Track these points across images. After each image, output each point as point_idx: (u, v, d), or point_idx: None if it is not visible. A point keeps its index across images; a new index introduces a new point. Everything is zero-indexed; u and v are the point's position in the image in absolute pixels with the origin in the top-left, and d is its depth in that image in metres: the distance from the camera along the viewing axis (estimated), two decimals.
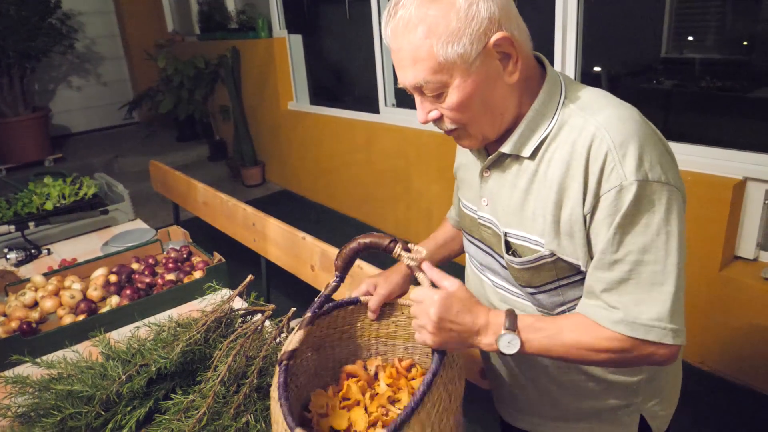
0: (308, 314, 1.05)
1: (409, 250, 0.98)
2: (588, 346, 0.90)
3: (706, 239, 2.36)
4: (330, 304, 1.11)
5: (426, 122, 0.96)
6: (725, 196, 2.28)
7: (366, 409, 1.05)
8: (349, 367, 1.16)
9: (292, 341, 1.00)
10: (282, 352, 0.99)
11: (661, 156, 0.88)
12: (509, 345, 0.89)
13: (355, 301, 1.16)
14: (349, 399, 1.07)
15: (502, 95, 0.92)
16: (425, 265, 0.96)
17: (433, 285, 0.95)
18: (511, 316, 0.91)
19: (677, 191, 0.88)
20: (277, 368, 0.96)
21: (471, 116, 0.93)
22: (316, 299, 1.08)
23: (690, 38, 2.81)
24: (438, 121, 0.96)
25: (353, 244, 1.03)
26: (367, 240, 1.01)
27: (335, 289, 1.07)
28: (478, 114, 0.93)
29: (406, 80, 0.91)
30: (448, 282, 0.92)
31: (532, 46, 0.95)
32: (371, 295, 1.16)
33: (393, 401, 1.06)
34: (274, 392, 0.92)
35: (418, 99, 0.95)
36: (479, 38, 0.85)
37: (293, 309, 1.30)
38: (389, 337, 1.19)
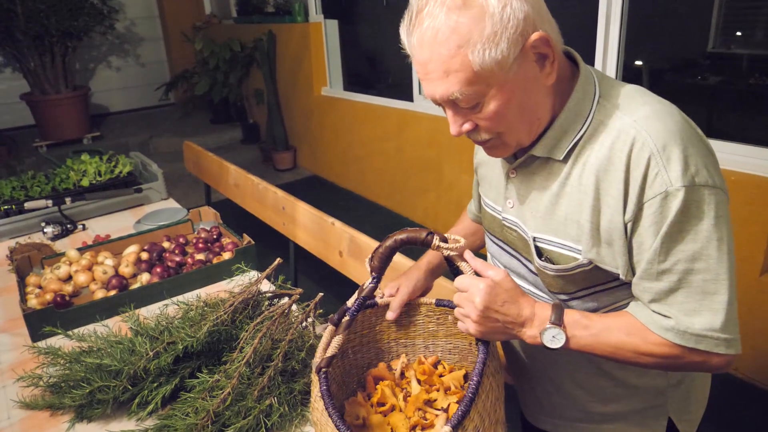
0: (346, 317, 1.00)
1: (446, 241, 0.96)
2: (635, 349, 0.87)
3: (748, 242, 2.27)
4: (352, 308, 1.03)
5: (459, 135, 0.91)
6: None
7: (401, 411, 1.03)
8: (375, 371, 1.14)
9: (330, 346, 0.96)
10: (319, 358, 0.95)
11: (705, 158, 0.83)
12: (554, 339, 0.87)
13: (372, 305, 1.12)
14: (384, 404, 1.05)
15: (538, 99, 0.88)
16: (468, 255, 0.95)
17: (477, 275, 0.93)
18: (558, 309, 0.88)
19: (723, 194, 0.83)
20: (316, 376, 0.93)
21: (508, 124, 0.88)
22: (351, 301, 1.03)
23: (738, 33, 2.71)
24: (472, 132, 0.90)
25: (389, 242, 0.99)
26: (404, 236, 0.98)
27: (372, 290, 1.02)
28: (516, 121, 0.88)
29: (436, 93, 0.85)
30: (493, 272, 0.90)
31: (562, 42, 0.90)
32: (393, 296, 1.14)
33: (428, 401, 1.04)
34: (318, 402, 0.89)
35: (449, 111, 0.89)
36: (516, 41, 0.80)
37: (320, 294, 1.30)
38: (409, 337, 1.17)
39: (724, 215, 0.83)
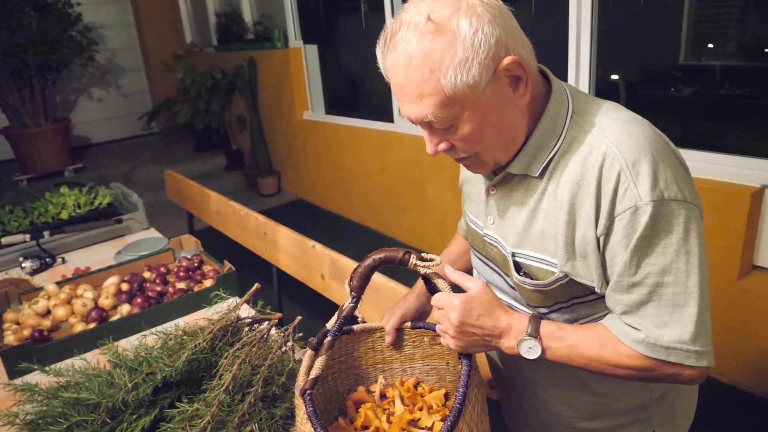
0: (328, 338, 1.00)
1: (423, 260, 0.98)
2: (608, 360, 0.88)
3: (724, 248, 2.30)
4: (332, 329, 1.03)
5: (436, 154, 0.92)
6: (743, 204, 2.23)
7: None
8: (355, 395, 1.14)
9: (314, 368, 0.97)
10: (302, 381, 0.96)
11: (676, 172, 0.84)
12: (530, 350, 0.90)
13: (349, 331, 1.14)
14: (368, 427, 1.05)
15: (513, 119, 0.89)
16: (447, 269, 0.97)
17: (457, 289, 0.95)
18: (535, 321, 0.91)
19: (695, 208, 0.84)
20: (300, 400, 0.93)
21: (484, 145, 0.89)
22: (332, 322, 1.03)
23: (710, 45, 2.77)
24: (449, 150, 0.92)
25: (368, 262, 1.00)
26: (381, 255, 1.00)
27: (352, 310, 1.02)
28: (491, 141, 0.89)
29: (411, 114, 0.86)
30: (472, 283, 0.93)
31: (536, 63, 0.91)
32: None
33: (412, 421, 1.04)
34: (305, 425, 0.88)
35: (425, 132, 0.91)
36: (488, 65, 0.81)
37: (299, 318, 1.30)
38: (386, 362, 1.19)
39: (695, 229, 0.83)
